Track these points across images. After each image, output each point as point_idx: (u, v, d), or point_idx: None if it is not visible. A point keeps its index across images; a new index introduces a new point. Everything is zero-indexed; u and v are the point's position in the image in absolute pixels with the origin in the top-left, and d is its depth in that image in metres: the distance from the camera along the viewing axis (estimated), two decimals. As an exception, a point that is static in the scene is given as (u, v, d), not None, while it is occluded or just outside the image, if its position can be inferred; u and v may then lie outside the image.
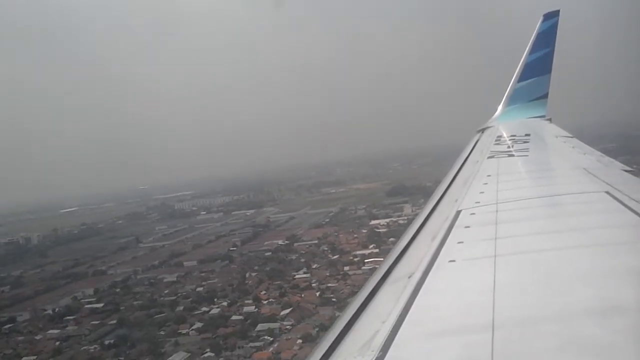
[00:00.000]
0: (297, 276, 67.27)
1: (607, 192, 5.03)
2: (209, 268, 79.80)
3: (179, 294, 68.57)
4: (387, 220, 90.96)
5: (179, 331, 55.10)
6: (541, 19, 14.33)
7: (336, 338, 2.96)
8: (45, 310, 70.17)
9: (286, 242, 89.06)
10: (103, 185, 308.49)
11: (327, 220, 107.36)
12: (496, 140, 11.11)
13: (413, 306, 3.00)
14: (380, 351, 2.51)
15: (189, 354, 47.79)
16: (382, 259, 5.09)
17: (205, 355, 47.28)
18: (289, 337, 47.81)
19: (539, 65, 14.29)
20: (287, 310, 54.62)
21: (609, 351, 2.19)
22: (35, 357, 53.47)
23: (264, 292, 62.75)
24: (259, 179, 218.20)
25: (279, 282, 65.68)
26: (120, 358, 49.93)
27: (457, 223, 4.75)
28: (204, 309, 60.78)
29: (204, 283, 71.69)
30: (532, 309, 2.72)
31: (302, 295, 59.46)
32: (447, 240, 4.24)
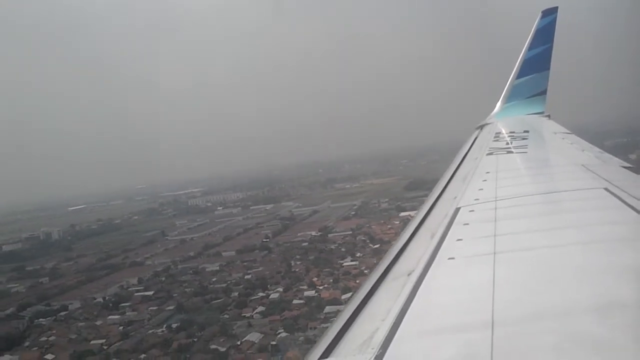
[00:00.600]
0: (344, 264, 68.90)
1: (606, 189, 5.00)
2: (249, 258, 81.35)
3: (228, 282, 70.00)
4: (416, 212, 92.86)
5: (243, 315, 56.62)
6: (539, 15, 14.34)
7: (336, 335, 2.97)
8: (95, 298, 71.31)
9: (319, 233, 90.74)
10: (100, 184, 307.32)
11: (353, 213, 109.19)
12: (495, 137, 11.07)
13: (412, 304, 2.99)
14: (380, 348, 2.51)
15: (263, 335, 49.29)
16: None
17: (280, 335, 48.80)
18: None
19: (538, 61, 14.28)
20: (348, 294, 56.26)
21: (608, 348, 2.20)
22: (103, 340, 54.66)
23: (315, 278, 64.25)
24: (265, 176, 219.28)
25: (328, 269, 67.28)
26: (194, 339, 51.18)
27: (456, 220, 4.74)
28: (260, 294, 62.29)
29: (249, 271, 73.21)
30: (531, 306, 2.71)
31: (357, 281, 61.09)
32: (447, 238, 4.23)
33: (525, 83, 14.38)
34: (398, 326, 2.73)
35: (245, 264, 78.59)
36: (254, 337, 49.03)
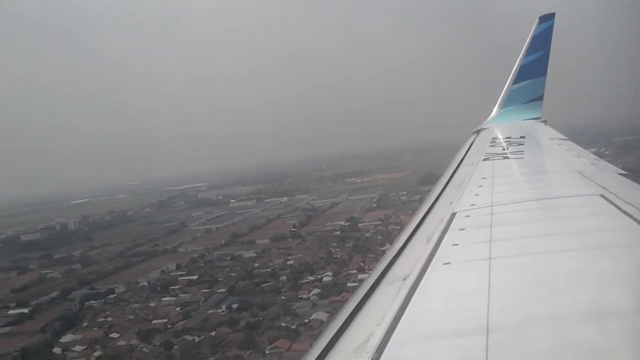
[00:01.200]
0: (386, 250, 70.49)
1: (602, 196, 5.01)
2: (283, 245, 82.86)
3: (271, 267, 71.38)
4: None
5: (300, 296, 58.10)
6: (537, 21, 14.41)
7: (331, 339, 2.97)
8: (139, 282, 72.26)
9: (347, 223, 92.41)
10: (90, 180, 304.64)
11: (375, 204, 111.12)
12: (491, 142, 11.05)
13: (408, 308, 3.00)
14: (375, 353, 2.52)
15: (329, 314, 50.83)
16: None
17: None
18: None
19: (535, 67, 14.31)
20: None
21: (603, 354, 2.20)
22: (165, 320, 55.78)
23: (362, 263, 65.91)
24: (267, 171, 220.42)
25: (371, 255, 68.91)
26: (259, 318, 52.58)
27: (452, 225, 4.74)
28: (310, 278, 63.78)
29: (289, 257, 74.56)
30: (526, 312, 2.71)
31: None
32: (442, 243, 4.23)
33: (522, 88, 14.40)
34: (393, 331, 2.73)
35: (281, 251, 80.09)
36: (320, 315, 50.56)
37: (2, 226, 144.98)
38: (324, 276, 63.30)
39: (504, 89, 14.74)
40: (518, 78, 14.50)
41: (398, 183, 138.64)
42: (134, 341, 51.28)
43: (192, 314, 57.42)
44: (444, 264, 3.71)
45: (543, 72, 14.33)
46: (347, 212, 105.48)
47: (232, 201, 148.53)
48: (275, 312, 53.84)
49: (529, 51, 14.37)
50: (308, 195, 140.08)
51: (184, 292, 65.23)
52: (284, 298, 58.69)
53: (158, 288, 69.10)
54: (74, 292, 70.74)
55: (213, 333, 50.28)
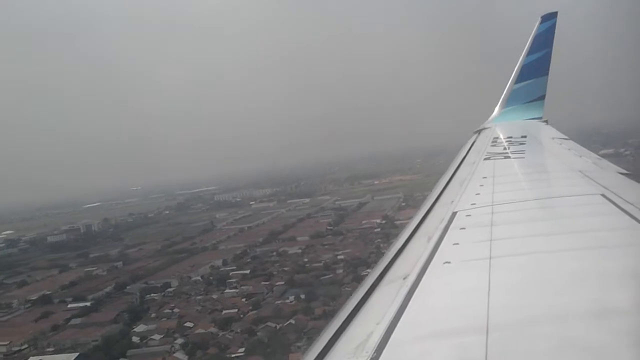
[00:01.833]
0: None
1: (603, 195, 5.00)
2: (326, 242, 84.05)
3: (322, 261, 72.47)
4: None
5: (365, 287, 59.26)
6: (539, 20, 14.34)
7: (330, 339, 2.98)
8: (191, 277, 73.09)
9: (384, 221, 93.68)
10: (91, 185, 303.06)
11: (404, 204, 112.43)
12: (493, 142, 11.05)
13: (408, 307, 3.00)
14: (374, 352, 2.52)
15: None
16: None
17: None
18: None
19: (537, 66, 14.24)
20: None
21: (604, 354, 2.21)
22: (236, 310, 56.83)
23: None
24: (278, 174, 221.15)
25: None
26: (331, 306, 53.68)
27: (452, 224, 4.75)
28: (368, 270, 64.86)
29: (338, 253, 75.67)
30: (526, 311, 2.72)
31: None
32: (443, 242, 4.23)
33: (524, 88, 14.34)
34: (393, 330, 2.73)
35: (325, 247, 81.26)
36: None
37: (22, 229, 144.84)
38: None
39: (506, 89, 14.72)
40: (520, 77, 14.45)
41: (419, 184, 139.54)
42: (212, 329, 52.25)
43: (261, 304, 58.41)
44: (445, 263, 3.69)
45: (545, 72, 14.26)
46: (379, 211, 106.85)
47: (251, 203, 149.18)
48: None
49: (530, 51, 14.32)
50: (329, 196, 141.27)
51: (242, 285, 66.19)
52: (350, 289, 59.80)
53: (213, 282, 69.98)
54: (128, 287, 71.58)
55: (292, 321, 51.32)
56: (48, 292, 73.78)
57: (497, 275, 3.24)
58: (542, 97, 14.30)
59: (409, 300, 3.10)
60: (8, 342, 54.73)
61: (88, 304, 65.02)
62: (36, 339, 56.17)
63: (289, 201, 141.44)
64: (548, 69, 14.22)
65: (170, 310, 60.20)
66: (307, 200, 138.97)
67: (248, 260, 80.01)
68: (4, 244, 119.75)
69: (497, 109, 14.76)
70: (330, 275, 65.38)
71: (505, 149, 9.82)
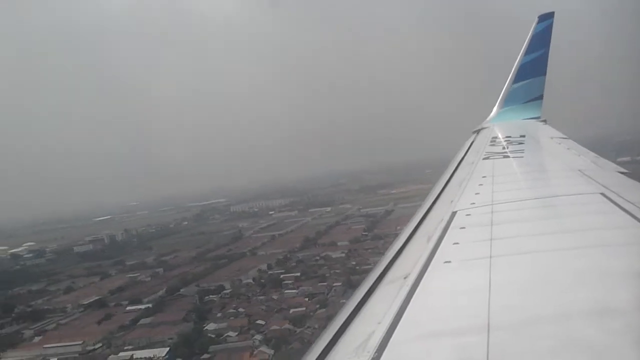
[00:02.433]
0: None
1: (602, 194, 5.02)
2: (368, 246, 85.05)
3: (370, 263, 73.44)
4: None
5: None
6: (536, 20, 14.37)
7: (332, 339, 2.98)
8: (242, 280, 73.84)
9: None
10: (86, 201, 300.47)
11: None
12: (491, 142, 11.07)
13: (408, 307, 2.99)
14: (375, 352, 2.51)
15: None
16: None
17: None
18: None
19: (534, 66, 14.27)
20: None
21: (605, 353, 2.20)
22: (304, 308, 57.72)
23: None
24: (284, 187, 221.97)
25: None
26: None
27: (452, 224, 4.75)
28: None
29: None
30: (527, 311, 2.71)
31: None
32: (443, 241, 4.22)
33: (522, 88, 14.38)
34: (394, 330, 2.72)
35: (369, 250, 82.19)
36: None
37: (40, 241, 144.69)
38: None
39: (504, 89, 14.74)
40: (518, 77, 14.48)
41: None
42: (287, 326, 53.03)
43: (326, 302, 59.29)
44: (445, 262, 3.70)
45: (542, 72, 14.32)
46: (408, 217, 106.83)
47: (270, 212, 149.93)
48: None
49: (528, 50, 14.37)
50: (350, 205, 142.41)
51: (299, 287, 67.07)
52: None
53: (266, 284, 70.80)
54: (182, 290, 72.10)
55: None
56: (98, 297, 74.23)
57: (498, 274, 3.23)
58: (540, 97, 14.36)
59: (410, 300, 3.08)
60: (82, 341, 55.16)
61: (149, 305, 65.47)
62: (108, 338, 56.69)
63: (310, 210, 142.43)
64: (546, 69, 14.29)
65: (235, 310, 60.97)
66: (328, 209, 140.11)
67: (293, 264, 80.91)
68: (31, 255, 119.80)
69: (495, 109, 14.76)
70: (387, 276, 66.39)
71: (504, 148, 9.83)
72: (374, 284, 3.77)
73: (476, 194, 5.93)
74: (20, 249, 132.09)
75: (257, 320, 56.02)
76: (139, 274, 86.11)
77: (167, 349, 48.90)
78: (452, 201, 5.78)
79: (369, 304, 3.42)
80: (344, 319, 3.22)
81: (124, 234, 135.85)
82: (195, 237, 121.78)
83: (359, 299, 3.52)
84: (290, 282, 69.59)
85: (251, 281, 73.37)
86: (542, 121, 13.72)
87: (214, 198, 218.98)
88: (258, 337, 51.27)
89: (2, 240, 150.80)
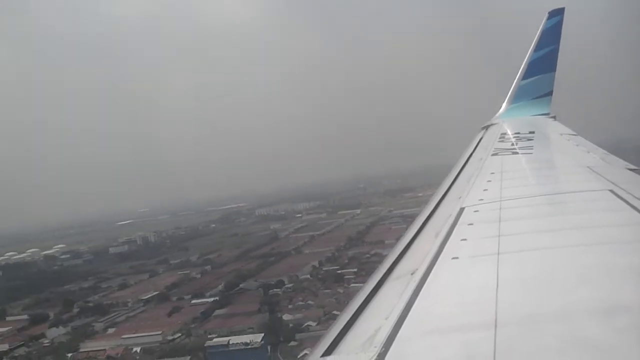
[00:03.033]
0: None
1: (611, 191, 4.98)
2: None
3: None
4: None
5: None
6: (546, 16, 14.25)
7: (339, 333, 2.95)
8: (298, 276, 74.44)
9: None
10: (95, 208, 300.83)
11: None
12: (500, 138, 10.98)
13: (416, 303, 2.98)
14: (382, 347, 2.50)
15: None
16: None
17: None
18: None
19: (544, 62, 14.14)
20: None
21: (612, 350, 2.18)
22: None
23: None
24: (305, 191, 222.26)
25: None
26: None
27: (460, 220, 4.72)
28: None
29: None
30: (535, 307, 2.70)
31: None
32: (451, 237, 4.19)
33: (531, 84, 14.24)
34: (401, 325, 2.71)
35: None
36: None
37: (70, 243, 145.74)
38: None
39: (513, 85, 14.63)
40: (527, 74, 14.34)
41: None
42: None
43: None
44: (453, 258, 3.69)
45: (552, 68, 14.17)
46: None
47: (297, 215, 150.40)
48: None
49: (538, 47, 14.21)
50: (381, 207, 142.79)
51: (362, 282, 67.43)
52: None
53: (326, 279, 71.44)
54: (241, 285, 72.73)
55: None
56: (156, 292, 74.90)
57: (506, 271, 3.21)
58: (550, 93, 14.20)
59: (417, 296, 3.08)
60: (160, 331, 55.72)
61: (216, 298, 66.17)
62: (185, 328, 57.35)
63: (339, 212, 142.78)
64: (555, 65, 14.14)
65: (303, 302, 61.73)
66: (358, 211, 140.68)
67: (345, 261, 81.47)
68: (68, 255, 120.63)
69: (504, 105, 14.61)
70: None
71: (513, 144, 9.82)
72: (381, 279, 3.74)
73: (484, 190, 5.90)
74: (51, 250, 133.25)
75: (332, 311, 56.42)
76: (188, 271, 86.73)
77: (262, 334, 49.43)
78: (460, 197, 5.76)
79: (376, 299, 3.40)
80: (351, 314, 3.20)
81: (156, 235, 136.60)
82: (230, 238, 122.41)
83: (366, 294, 3.49)
84: (351, 277, 70.06)
85: (309, 277, 73.97)
86: (552, 117, 13.58)
87: (232, 203, 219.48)
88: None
89: (30, 243, 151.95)
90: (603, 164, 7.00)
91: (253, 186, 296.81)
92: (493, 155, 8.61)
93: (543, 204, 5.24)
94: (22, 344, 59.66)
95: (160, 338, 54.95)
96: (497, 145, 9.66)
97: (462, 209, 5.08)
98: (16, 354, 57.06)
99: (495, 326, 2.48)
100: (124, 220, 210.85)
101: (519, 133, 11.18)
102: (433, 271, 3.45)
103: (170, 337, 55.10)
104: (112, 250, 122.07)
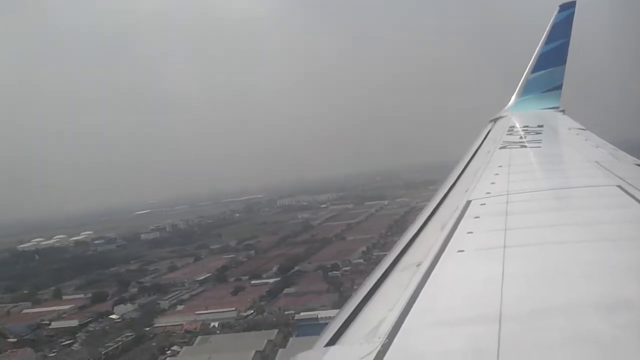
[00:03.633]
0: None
1: (619, 186, 4.94)
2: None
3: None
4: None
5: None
6: (557, 9, 14.12)
7: (343, 324, 2.96)
8: (350, 260, 75.33)
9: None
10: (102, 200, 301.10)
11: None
12: (509, 131, 10.95)
13: (420, 295, 2.97)
14: (386, 338, 2.49)
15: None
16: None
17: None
18: None
19: (554, 56, 14.04)
20: None
21: (615, 346, 2.19)
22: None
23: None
24: (319, 184, 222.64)
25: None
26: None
27: (467, 213, 4.69)
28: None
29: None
30: (539, 302, 2.69)
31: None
32: (457, 230, 4.17)
33: (541, 77, 14.13)
34: (405, 316, 2.70)
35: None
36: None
37: (97, 230, 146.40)
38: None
39: (522, 78, 14.55)
40: (537, 67, 14.22)
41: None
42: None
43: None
44: (458, 251, 3.67)
45: (562, 62, 14.09)
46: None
47: (322, 206, 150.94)
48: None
49: (548, 40, 14.09)
50: (408, 198, 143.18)
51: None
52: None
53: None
54: (296, 267, 73.54)
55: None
56: (208, 274, 75.75)
57: (511, 265, 3.20)
58: (559, 87, 14.11)
59: (422, 288, 3.07)
60: (234, 308, 56.50)
61: (278, 279, 67.12)
62: (256, 306, 58.16)
63: (365, 203, 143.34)
64: (565, 59, 14.06)
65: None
66: (385, 202, 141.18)
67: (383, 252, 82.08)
68: (101, 241, 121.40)
69: (513, 98, 14.50)
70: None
71: (521, 138, 9.75)
72: (386, 270, 3.74)
73: (492, 183, 5.86)
74: (80, 237, 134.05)
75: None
76: (233, 255, 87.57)
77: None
78: (467, 190, 5.73)
79: (381, 290, 3.39)
80: (355, 305, 3.20)
81: (184, 223, 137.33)
82: (259, 226, 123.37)
83: (371, 285, 3.48)
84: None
85: (362, 261, 74.57)
86: (561, 111, 13.49)
87: (252, 194, 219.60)
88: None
89: (57, 230, 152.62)
90: (612, 159, 6.98)
91: (265, 180, 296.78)
92: (501, 148, 8.58)
93: (550, 198, 5.24)
94: (91, 320, 60.54)
95: (234, 314, 55.80)
96: (506, 138, 9.66)
97: (468, 202, 5.07)
98: (91, 328, 57.87)
99: (500, 320, 2.48)
100: (142, 210, 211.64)
101: (527, 126, 11.12)
102: (438, 264, 3.44)
103: (244, 314, 55.81)
104: (143, 236, 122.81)
